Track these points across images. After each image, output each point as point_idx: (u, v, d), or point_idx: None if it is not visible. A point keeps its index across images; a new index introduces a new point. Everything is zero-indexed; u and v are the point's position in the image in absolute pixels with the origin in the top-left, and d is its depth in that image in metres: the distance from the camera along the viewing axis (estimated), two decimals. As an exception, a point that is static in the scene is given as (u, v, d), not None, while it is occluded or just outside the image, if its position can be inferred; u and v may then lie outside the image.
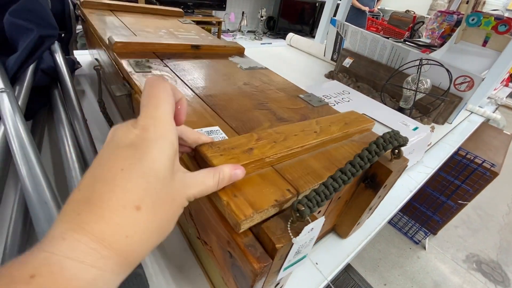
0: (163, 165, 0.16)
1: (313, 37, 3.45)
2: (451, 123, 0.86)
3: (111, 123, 0.45)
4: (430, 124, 0.81)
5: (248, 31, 3.62)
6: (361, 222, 0.38)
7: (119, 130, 0.16)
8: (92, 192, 0.14)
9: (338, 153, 0.30)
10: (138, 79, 0.35)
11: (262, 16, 3.47)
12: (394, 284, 1.23)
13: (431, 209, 1.35)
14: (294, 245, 0.20)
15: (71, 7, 0.61)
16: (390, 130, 0.57)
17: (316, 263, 0.35)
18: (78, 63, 0.61)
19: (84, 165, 0.33)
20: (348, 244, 0.39)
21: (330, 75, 1.05)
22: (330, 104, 0.42)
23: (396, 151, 0.28)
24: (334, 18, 1.10)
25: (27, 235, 0.29)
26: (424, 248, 1.42)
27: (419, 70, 0.72)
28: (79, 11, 0.64)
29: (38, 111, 0.47)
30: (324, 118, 0.34)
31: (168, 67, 0.42)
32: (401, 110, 0.78)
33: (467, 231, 1.60)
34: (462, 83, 0.77)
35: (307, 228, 0.20)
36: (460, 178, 1.22)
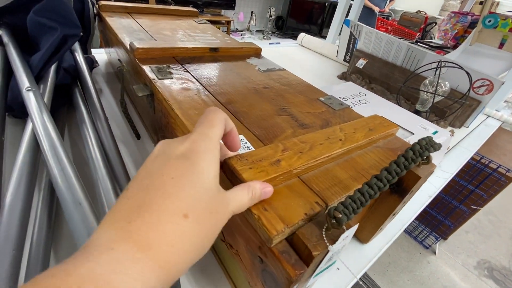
0: (211, 177, 0.16)
1: (322, 37, 3.42)
2: (468, 126, 0.84)
3: (131, 123, 0.46)
4: (446, 127, 0.80)
5: (257, 31, 3.62)
6: (383, 227, 0.37)
7: (170, 144, 0.17)
8: (142, 200, 0.14)
9: (363, 161, 0.29)
10: (161, 86, 0.36)
11: (271, 16, 3.46)
12: (403, 289, 1.22)
13: (442, 213, 1.32)
14: (329, 252, 0.19)
15: (91, 6, 0.62)
16: (410, 133, 0.56)
17: (338, 268, 0.35)
18: (96, 62, 0.62)
19: (109, 165, 0.33)
20: (369, 250, 0.38)
21: (343, 76, 1.04)
22: (350, 108, 0.42)
23: (425, 156, 0.28)
24: (348, 18, 1.09)
25: (52, 233, 0.29)
26: (435, 253, 1.40)
27: (437, 72, 0.71)
28: (96, 10, 0.65)
29: (58, 110, 0.48)
30: (348, 124, 0.33)
31: (189, 72, 0.42)
32: (417, 112, 0.77)
33: (478, 237, 1.57)
34: (481, 86, 0.75)
35: (343, 236, 0.19)
36: (474, 183, 1.19)
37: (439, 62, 0.71)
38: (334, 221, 0.19)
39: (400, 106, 0.79)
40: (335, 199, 0.23)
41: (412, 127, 0.57)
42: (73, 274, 0.11)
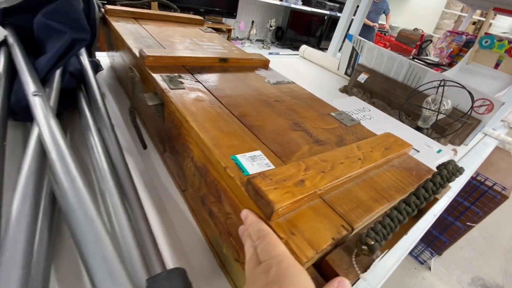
0: None
1: (320, 49, 3.47)
2: (467, 144, 0.85)
3: (139, 132, 0.44)
4: (447, 145, 0.81)
5: (257, 40, 3.66)
6: (394, 247, 0.37)
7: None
8: None
9: (382, 181, 0.29)
10: (174, 96, 0.35)
11: (271, 26, 3.51)
12: (399, 305, 1.21)
13: (438, 229, 1.33)
14: (360, 280, 0.19)
15: (97, 9, 0.61)
16: (415, 151, 0.56)
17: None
18: (101, 66, 0.61)
19: (116, 174, 0.32)
20: (379, 269, 0.38)
21: (345, 89, 1.05)
22: (361, 125, 0.42)
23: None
24: (351, 34, 1.10)
25: (52, 249, 0.28)
26: (430, 268, 1.40)
27: (438, 90, 0.72)
28: (102, 14, 0.64)
29: (61, 113, 0.46)
30: (364, 143, 0.33)
31: (200, 82, 0.41)
32: (418, 129, 0.77)
33: (472, 253, 1.57)
34: (481, 106, 0.77)
35: (375, 263, 0.19)
36: (470, 200, 1.20)
37: (441, 80, 0.72)
38: (365, 248, 0.19)
39: (402, 122, 0.80)
40: (359, 222, 0.23)
41: (417, 144, 0.57)
42: None
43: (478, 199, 1.18)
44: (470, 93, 0.70)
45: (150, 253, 0.23)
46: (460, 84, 0.71)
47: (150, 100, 0.38)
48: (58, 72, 0.44)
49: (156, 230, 0.34)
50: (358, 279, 0.18)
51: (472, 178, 1.16)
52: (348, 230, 0.21)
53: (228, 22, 3.21)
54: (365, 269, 0.18)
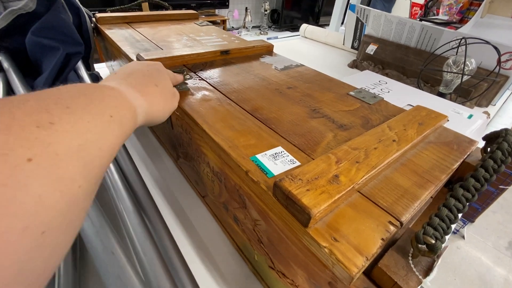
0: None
1: (320, 25, 3.34)
2: (495, 105, 0.79)
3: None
4: (473, 107, 0.75)
5: (253, 27, 3.56)
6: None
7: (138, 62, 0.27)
8: (140, 80, 0.24)
9: (422, 162, 0.26)
10: (179, 99, 0.32)
11: (265, 10, 3.40)
12: (436, 278, 1.17)
13: (468, 196, 1.27)
14: (422, 285, 0.16)
15: (88, 19, 0.59)
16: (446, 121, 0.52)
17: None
18: (101, 77, 0.59)
19: (131, 191, 0.30)
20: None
21: (354, 64, 1.00)
22: (384, 100, 0.38)
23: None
24: (353, 4, 1.03)
25: (78, 276, 0.26)
26: (463, 237, 1.35)
27: (458, 50, 0.66)
28: (94, 24, 0.61)
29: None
30: (394, 121, 0.29)
31: (204, 80, 0.38)
32: (440, 95, 0.72)
33: (506, 216, 1.51)
34: (507, 60, 0.70)
35: (437, 264, 0.16)
36: (500, 162, 1.14)
37: (461, 39, 0.66)
38: (425, 247, 0.16)
39: (422, 90, 0.75)
40: (407, 214, 0.20)
41: (445, 112, 0.52)
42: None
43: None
44: (496, 48, 0.64)
45: (180, 275, 0.22)
46: (484, 40, 0.65)
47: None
48: (58, 91, 0.42)
49: (181, 241, 0.33)
50: (421, 286, 0.16)
51: (501, 139, 1.09)
52: (397, 226, 0.19)
53: (222, 13, 3.13)
54: (426, 272, 0.16)
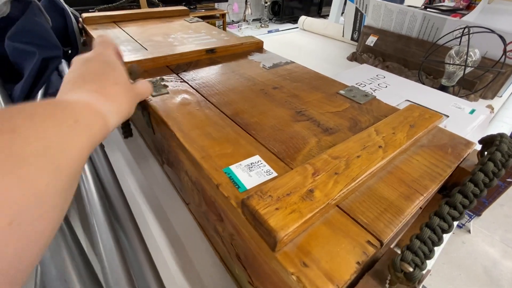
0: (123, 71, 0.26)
1: (322, 16, 3.26)
2: (501, 96, 0.75)
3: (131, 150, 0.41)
4: (477, 100, 0.72)
5: (253, 20, 3.50)
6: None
7: (84, 58, 0.25)
8: (92, 77, 0.23)
9: (411, 169, 0.24)
10: (156, 104, 0.31)
11: (266, 2, 3.33)
12: (440, 274, 1.16)
13: (474, 189, 1.24)
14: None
15: (74, 20, 0.57)
16: (444, 117, 0.49)
17: None
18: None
19: (107, 201, 0.29)
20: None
21: (353, 57, 0.96)
22: (377, 99, 0.36)
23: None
24: (351, -7, 0.99)
25: None
26: (469, 231, 1.32)
27: (461, 40, 0.63)
28: (81, 25, 0.60)
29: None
30: (383, 123, 0.27)
31: (186, 82, 0.36)
32: (443, 88, 0.69)
33: (515, 209, 1.47)
34: (514, 49, 0.66)
35: (416, 297, 0.14)
36: (508, 154, 1.10)
37: (465, 28, 0.63)
38: (401, 275, 0.14)
39: (423, 83, 0.71)
40: (390, 232, 0.18)
41: (445, 108, 0.50)
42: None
43: (518, 153, 1.07)
44: (501, 36, 0.60)
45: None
46: (487, 29, 0.61)
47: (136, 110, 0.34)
48: (39, 96, 0.41)
49: (164, 250, 0.32)
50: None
51: (509, 130, 1.05)
52: (376, 247, 0.17)
53: (221, 6, 3.08)
54: (406, 302, 0.14)
